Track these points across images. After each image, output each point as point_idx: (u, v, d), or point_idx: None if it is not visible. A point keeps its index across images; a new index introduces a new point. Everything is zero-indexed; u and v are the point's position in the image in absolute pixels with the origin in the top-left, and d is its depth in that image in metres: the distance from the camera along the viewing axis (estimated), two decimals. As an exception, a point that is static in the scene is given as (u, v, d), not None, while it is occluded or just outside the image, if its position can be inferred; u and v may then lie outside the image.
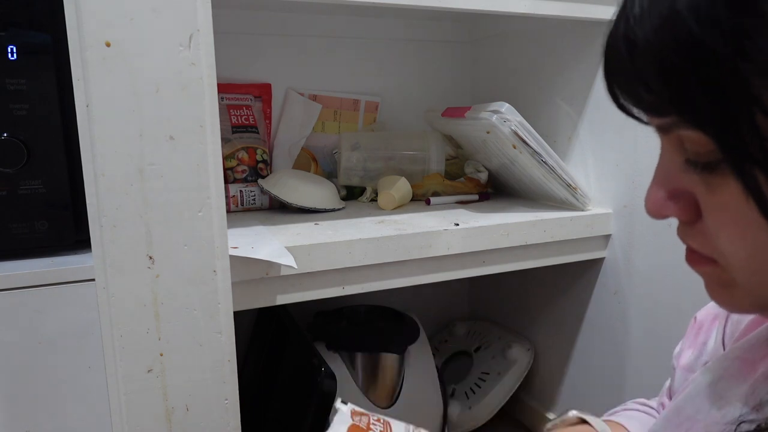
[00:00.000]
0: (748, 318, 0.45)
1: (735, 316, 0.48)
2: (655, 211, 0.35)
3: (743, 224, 0.30)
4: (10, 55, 0.63)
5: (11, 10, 0.64)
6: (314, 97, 1.14)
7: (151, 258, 0.59)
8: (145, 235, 0.58)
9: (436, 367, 1.05)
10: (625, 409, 0.60)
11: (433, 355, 1.05)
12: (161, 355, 0.61)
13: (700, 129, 0.29)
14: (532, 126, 0.86)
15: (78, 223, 0.68)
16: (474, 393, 1.14)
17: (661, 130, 0.33)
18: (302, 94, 1.13)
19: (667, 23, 0.27)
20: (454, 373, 1.22)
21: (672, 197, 0.34)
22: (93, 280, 0.59)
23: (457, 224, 0.79)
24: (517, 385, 1.12)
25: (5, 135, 0.64)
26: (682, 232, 0.36)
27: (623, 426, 0.56)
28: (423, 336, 1.04)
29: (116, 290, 0.58)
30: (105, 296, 0.58)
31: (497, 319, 1.29)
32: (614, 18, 0.31)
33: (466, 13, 0.77)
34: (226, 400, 0.65)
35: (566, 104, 1.01)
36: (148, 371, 0.61)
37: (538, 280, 1.11)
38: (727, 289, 0.35)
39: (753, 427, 0.32)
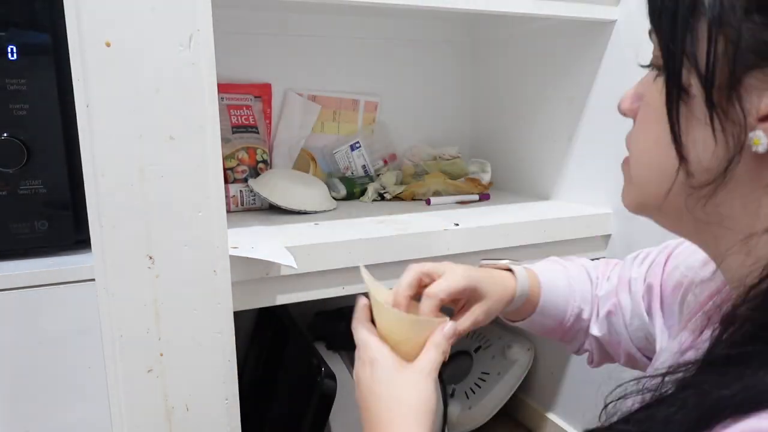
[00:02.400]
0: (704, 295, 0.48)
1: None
2: (620, 103, 0.42)
3: (651, 119, 0.37)
4: (10, 55, 0.63)
5: (11, 10, 0.64)
6: (313, 98, 1.14)
7: (151, 258, 0.59)
8: (145, 235, 0.58)
9: (436, 367, 1.05)
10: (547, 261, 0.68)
11: (433, 355, 1.05)
12: (161, 355, 0.61)
13: (656, 33, 0.35)
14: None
15: (78, 223, 0.68)
16: (474, 393, 1.14)
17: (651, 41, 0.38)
18: (301, 95, 1.13)
19: None
20: (454, 373, 1.22)
21: (632, 96, 0.41)
22: (93, 280, 0.59)
23: (457, 224, 0.79)
24: (517, 385, 1.12)
25: (5, 135, 0.64)
26: (628, 135, 0.42)
27: (537, 279, 0.62)
28: (423, 336, 1.04)
29: (116, 290, 0.58)
30: (105, 296, 0.58)
31: (497, 319, 1.29)
32: None
33: (466, 13, 0.77)
34: (226, 400, 0.65)
35: (566, 104, 1.01)
36: (148, 371, 0.61)
37: (538, 280, 1.11)
38: (628, 186, 0.41)
39: (697, 354, 0.34)
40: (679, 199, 0.36)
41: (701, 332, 0.42)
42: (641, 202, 0.40)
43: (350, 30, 1.15)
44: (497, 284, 0.58)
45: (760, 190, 0.33)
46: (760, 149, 0.31)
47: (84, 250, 0.69)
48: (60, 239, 0.68)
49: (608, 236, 0.94)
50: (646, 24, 0.37)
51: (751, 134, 0.32)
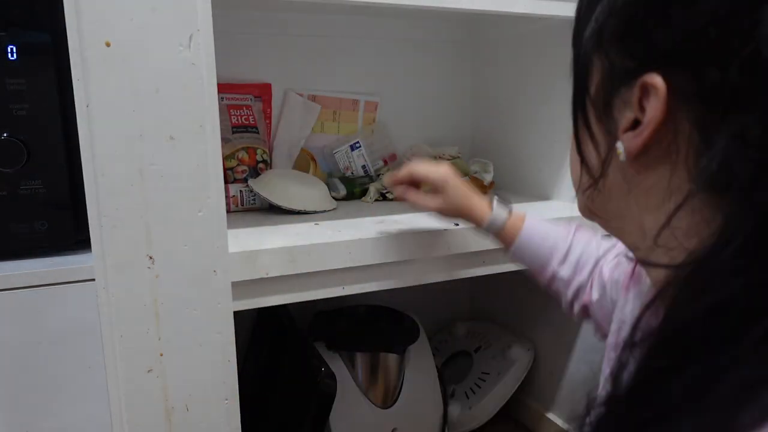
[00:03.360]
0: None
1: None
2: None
3: (574, 137, 0.43)
4: (10, 55, 0.63)
5: (11, 10, 0.64)
6: (313, 98, 1.14)
7: (151, 258, 0.59)
8: (145, 235, 0.58)
9: (436, 367, 1.05)
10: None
11: (433, 355, 1.05)
12: (161, 355, 0.61)
13: (575, 63, 0.41)
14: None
15: (78, 223, 0.68)
16: (474, 393, 1.14)
17: None
18: (301, 95, 1.13)
19: None
20: (454, 373, 1.22)
21: None
22: (93, 280, 0.59)
23: (457, 224, 0.79)
24: (517, 385, 1.12)
25: (5, 135, 0.64)
26: None
27: (522, 219, 0.70)
28: (423, 336, 1.04)
29: (116, 290, 0.58)
30: (105, 296, 0.58)
31: (497, 319, 1.29)
32: None
33: (466, 13, 0.77)
34: (226, 400, 0.65)
35: (566, 104, 1.01)
36: (148, 371, 0.61)
37: (538, 280, 1.11)
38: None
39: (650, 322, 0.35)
40: (583, 198, 0.44)
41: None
42: (588, 209, 0.45)
43: (350, 30, 1.15)
44: (471, 206, 0.71)
45: (628, 195, 0.39)
46: (621, 158, 0.36)
47: (84, 250, 0.69)
48: (60, 239, 0.68)
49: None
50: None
51: (617, 144, 0.37)
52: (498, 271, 0.85)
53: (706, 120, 0.31)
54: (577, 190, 0.44)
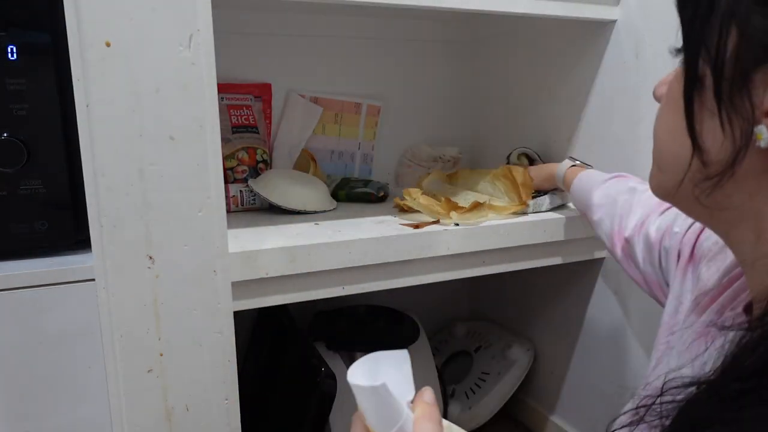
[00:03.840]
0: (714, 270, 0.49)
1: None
2: (654, 88, 0.42)
3: (670, 107, 0.37)
4: (10, 55, 0.63)
5: (11, 10, 0.64)
6: (315, 100, 1.14)
7: (151, 258, 0.59)
8: (145, 235, 0.58)
9: (436, 367, 1.05)
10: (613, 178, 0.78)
11: (433, 355, 1.05)
12: (161, 355, 0.61)
13: (680, 17, 0.35)
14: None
15: (78, 223, 0.68)
16: (474, 393, 1.14)
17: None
18: (303, 96, 1.13)
19: None
20: (454, 373, 1.22)
21: (664, 83, 0.41)
22: (93, 280, 0.59)
23: (457, 224, 0.79)
24: (517, 385, 1.12)
25: (5, 135, 0.64)
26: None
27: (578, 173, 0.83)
28: (423, 336, 1.04)
29: (116, 290, 0.58)
30: (105, 296, 0.58)
31: (497, 319, 1.29)
32: None
33: (466, 13, 0.77)
34: (226, 400, 0.65)
35: (566, 104, 1.01)
36: (148, 371, 0.61)
37: (538, 280, 1.11)
38: (653, 170, 0.41)
39: (684, 381, 0.34)
40: (689, 187, 0.37)
41: (713, 341, 0.41)
42: (662, 187, 0.40)
43: (350, 30, 1.15)
44: (545, 169, 0.91)
45: (759, 191, 0.34)
46: (762, 144, 0.31)
47: (84, 250, 0.69)
48: (60, 239, 0.68)
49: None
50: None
51: (756, 128, 0.31)
52: (498, 271, 0.85)
53: None
54: (673, 179, 0.38)
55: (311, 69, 1.14)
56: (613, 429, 0.40)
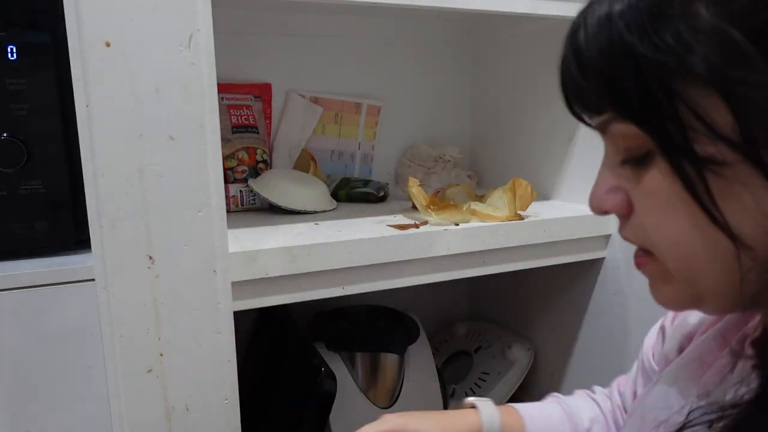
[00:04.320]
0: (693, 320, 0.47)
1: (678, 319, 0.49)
2: (595, 206, 0.40)
3: (666, 209, 0.33)
4: (10, 55, 0.63)
5: (11, 10, 0.64)
6: (315, 100, 1.14)
7: (151, 258, 0.59)
8: (145, 235, 0.58)
9: (436, 367, 1.05)
10: (545, 401, 0.64)
11: (433, 355, 1.05)
12: (161, 355, 0.61)
13: (634, 122, 0.33)
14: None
15: (78, 223, 0.68)
16: (474, 393, 1.14)
17: (601, 129, 0.38)
18: (303, 96, 1.13)
19: (607, 45, 0.33)
20: (454, 373, 1.22)
21: (609, 192, 0.38)
22: (93, 280, 0.59)
23: (457, 224, 0.79)
24: (517, 385, 1.12)
25: (5, 135, 0.64)
26: (621, 228, 0.39)
27: (518, 413, 0.59)
28: (423, 336, 1.04)
29: (116, 290, 0.58)
30: (105, 296, 0.58)
31: (497, 319, 1.29)
32: (564, 48, 0.40)
33: (466, 13, 0.77)
34: (226, 400, 0.65)
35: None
36: (148, 371, 0.61)
37: (538, 280, 1.11)
38: (666, 285, 0.37)
39: (701, 413, 0.33)
40: (734, 278, 0.31)
41: (731, 368, 0.37)
42: (696, 297, 0.35)
43: (350, 30, 1.15)
44: (452, 427, 0.57)
45: None
46: None
47: (84, 250, 0.69)
48: (60, 239, 0.68)
49: (608, 236, 0.94)
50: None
51: None
52: (498, 271, 0.85)
53: None
54: (723, 281, 0.32)
55: (311, 69, 1.13)
56: None
